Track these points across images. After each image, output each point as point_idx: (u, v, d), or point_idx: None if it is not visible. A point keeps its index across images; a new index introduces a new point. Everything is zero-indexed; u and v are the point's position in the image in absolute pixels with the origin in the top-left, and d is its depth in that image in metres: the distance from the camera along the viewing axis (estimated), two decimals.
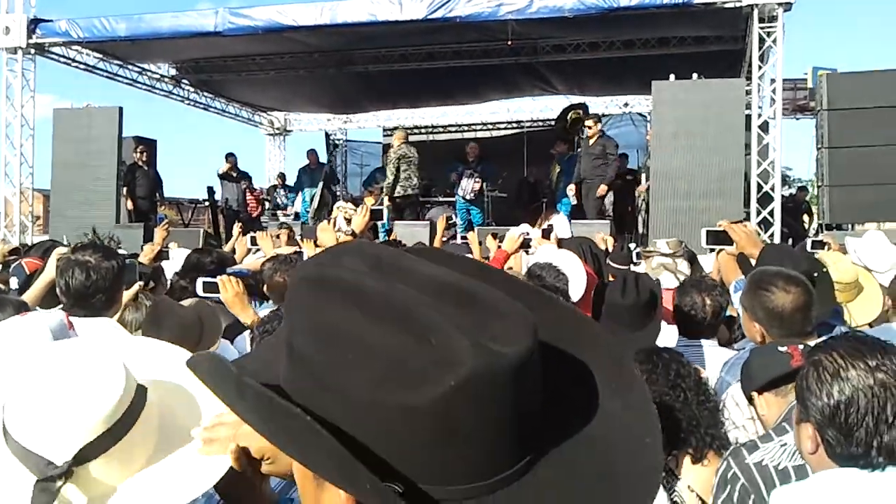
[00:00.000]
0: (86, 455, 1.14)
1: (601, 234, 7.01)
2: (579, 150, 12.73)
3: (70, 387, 1.17)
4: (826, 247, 5.91)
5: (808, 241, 6.49)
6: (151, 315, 3.03)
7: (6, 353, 1.93)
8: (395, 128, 20.14)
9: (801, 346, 2.38)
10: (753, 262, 3.46)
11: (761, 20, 10.27)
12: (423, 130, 20.44)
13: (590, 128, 11.73)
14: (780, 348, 2.45)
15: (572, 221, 10.64)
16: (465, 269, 0.80)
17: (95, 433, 1.15)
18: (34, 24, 12.87)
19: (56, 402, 1.16)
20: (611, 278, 4.68)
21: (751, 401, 2.55)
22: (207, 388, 0.79)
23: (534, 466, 0.73)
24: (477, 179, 13.03)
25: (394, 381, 0.67)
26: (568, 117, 15.31)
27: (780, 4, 10.13)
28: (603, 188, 11.39)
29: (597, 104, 18.77)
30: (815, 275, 3.20)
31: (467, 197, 13.11)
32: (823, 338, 2.44)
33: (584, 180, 11.77)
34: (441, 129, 20.42)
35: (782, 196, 11.57)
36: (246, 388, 0.73)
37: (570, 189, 12.04)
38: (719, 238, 3.79)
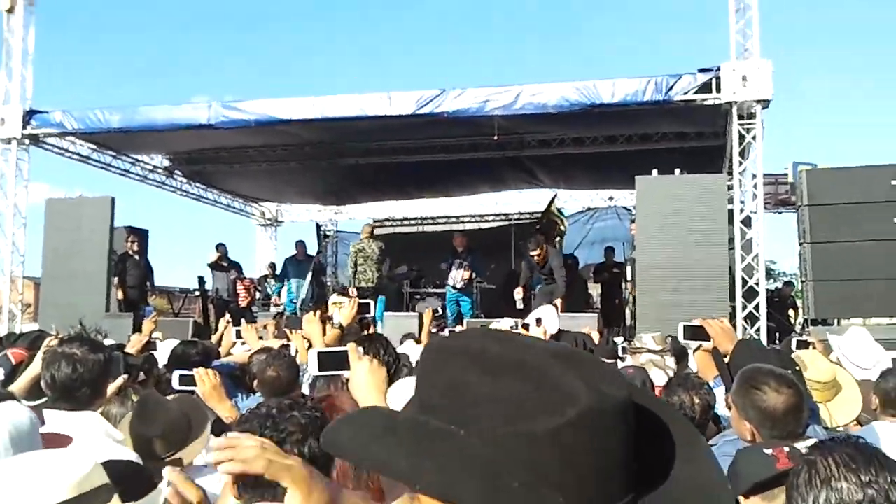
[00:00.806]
0: None
1: (587, 327, 7.05)
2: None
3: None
4: (810, 346, 5.93)
5: (794, 340, 6.51)
6: (139, 411, 3.03)
7: None
8: (386, 219, 20.51)
9: (786, 448, 2.39)
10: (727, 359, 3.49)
11: (740, 117, 10.53)
12: (412, 222, 20.67)
13: (535, 256, 11.83)
14: (766, 450, 2.45)
15: (560, 315, 10.67)
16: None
17: None
18: (30, 115, 13.07)
19: None
20: None
21: None
22: (347, 452, 0.92)
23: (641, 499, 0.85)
24: (466, 268, 13.16)
25: (520, 416, 0.80)
26: (551, 213, 15.58)
27: (758, 101, 10.40)
28: (558, 302, 11.44)
29: (582, 197, 19.15)
30: (789, 372, 3.23)
31: (457, 286, 13.21)
32: (822, 438, 2.45)
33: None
34: (430, 221, 20.63)
35: (768, 290, 11.67)
36: (400, 425, 0.87)
37: (517, 293, 11.99)
38: (696, 333, 3.81)
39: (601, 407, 0.80)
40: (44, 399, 3.16)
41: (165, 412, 3.02)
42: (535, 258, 11.76)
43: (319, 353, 2.71)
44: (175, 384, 3.46)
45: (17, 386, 3.58)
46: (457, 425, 0.82)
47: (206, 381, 3.30)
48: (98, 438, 2.76)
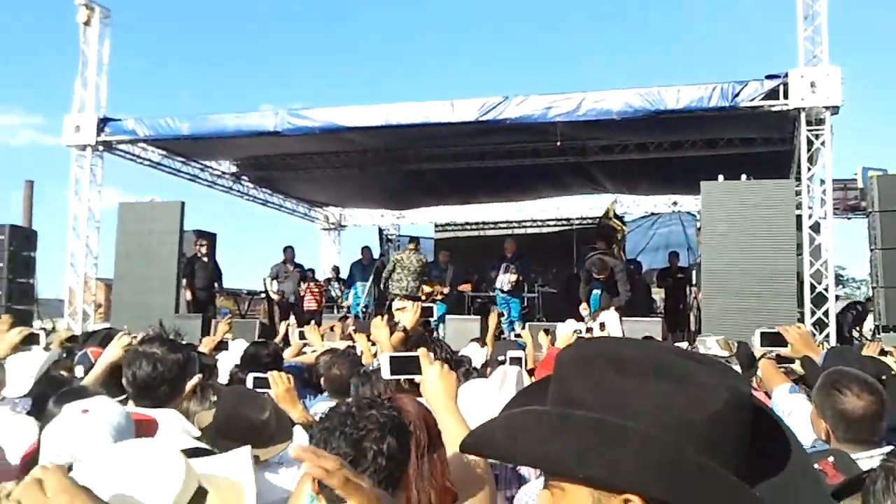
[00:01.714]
0: None
1: (647, 333, 7.00)
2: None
3: (132, 489, 1.18)
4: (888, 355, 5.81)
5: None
6: (241, 397, 3.05)
7: (68, 450, 2.03)
8: (448, 224, 20.60)
9: (831, 459, 2.37)
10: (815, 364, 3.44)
11: (809, 123, 10.38)
12: (474, 226, 20.71)
13: (600, 278, 11.75)
14: (814, 465, 2.45)
15: (623, 319, 10.63)
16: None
17: None
18: (103, 122, 13.50)
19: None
20: None
21: None
22: (503, 453, 1.03)
23: (756, 486, 0.97)
24: (513, 272, 13.21)
25: (672, 408, 0.93)
26: (609, 218, 15.48)
27: (827, 108, 10.24)
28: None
29: (645, 202, 18.94)
30: (884, 377, 3.15)
31: (504, 289, 13.27)
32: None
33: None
34: (492, 226, 20.66)
35: (857, 304, 11.30)
36: (571, 419, 0.97)
37: (583, 309, 11.91)
38: (773, 340, 3.77)
39: (738, 399, 0.95)
40: (124, 395, 3.29)
41: (266, 401, 3.08)
42: (602, 279, 11.70)
43: (391, 357, 2.76)
44: (249, 385, 3.55)
45: (91, 378, 3.72)
46: (613, 417, 0.94)
47: (279, 384, 3.38)
48: (177, 434, 2.87)
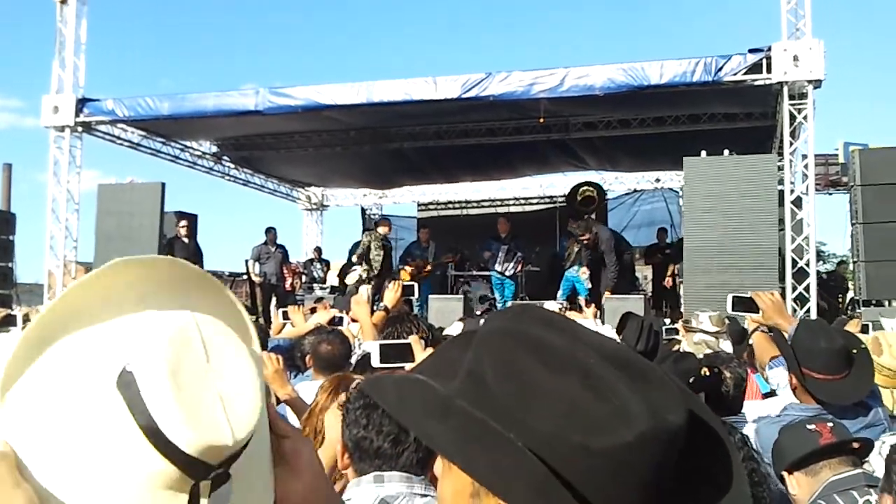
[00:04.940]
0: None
1: (629, 311, 6.96)
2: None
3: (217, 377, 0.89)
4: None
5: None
6: None
7: None
8: (431, 203, 20.58)
9: (829, 424, 2.38)
10: (786, 335, 3.46)
11: (791, 97, 10.39)
12: (457, 205, 20.68)
13: (584, 240, 11.82)
14: (809, 426, 2.46)
15: (608, 295, 10.69)
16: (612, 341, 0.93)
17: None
18: (82, 103, 13.33)
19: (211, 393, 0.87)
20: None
21: (782, 480, 2.52)
22: (390, 409, 0.94)
23: None
24: (519, 259, 13.20)
25: (576, 424, 0.79)
26: (578, 195, 15.46)
27: (809, 82, 10.24)
28: (608, 293, 11.37)
29: (629, 180, 18.97)
30: (854, 351, 3.18)
31: (507, 273, 13.25)
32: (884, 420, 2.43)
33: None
34: (475, 204, 20.64)
35: (822, 272, 11.43)
36: (455, 410, 0.87)
37: (584, 272, 11.97)
38: (745, 305, 3.78)
39: (657, 434, 0.79)
40: None
41: None
42: (585, 241, 11.70)
43: (382, 346, 2.69)
44: None
45: None
46: (509, 415, 0.82)
47: (269, 365, 3.37)
48: None
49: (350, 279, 13.47)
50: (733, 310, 3.91)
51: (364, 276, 12.67)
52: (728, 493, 0.88)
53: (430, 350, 2.28)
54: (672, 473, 0.82)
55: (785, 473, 2.47)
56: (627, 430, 0.78)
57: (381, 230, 13.42)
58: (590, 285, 12.07)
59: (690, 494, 0.87)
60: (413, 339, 2.38)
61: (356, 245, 14.07)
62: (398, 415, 0.96)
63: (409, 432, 1.77)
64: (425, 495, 1.78)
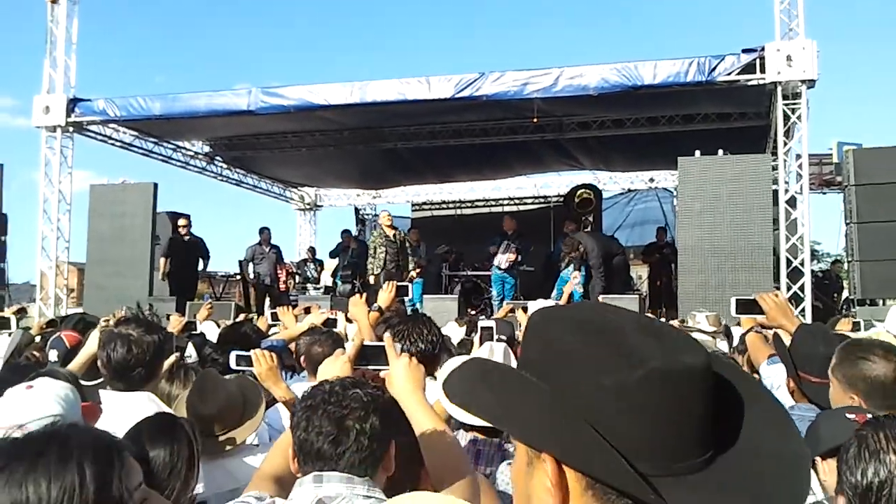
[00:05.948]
0: None
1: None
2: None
3: None
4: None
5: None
6: (197, 389, 3.06)
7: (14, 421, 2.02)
8: (425, 202, 20.54)
9: (869, 415, 2.36)
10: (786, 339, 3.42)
11: (785, 97, 10.40)
12: (451, 205, 20.66)
13: (571, 256, 11.82)
14: (849, 415, 2.43)
15: (601, 297, 10.64)
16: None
17: None
18: (73, 103, 13.28)
19: None
20: None
21: (813, 465, 2.51)
22: (450, 393, 0.98)
23: (714, 462, 0.88)
24: (513, 251, 13.14)
25: (596, 372, 0.86)
26: (576, 198, 15.46)
27: (803, 82, 10.26)
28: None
29: (623, 180, 18.97)
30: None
31: (501, 267, 13.20)
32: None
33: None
34: (469, 204, 20.62)
35: (817, 271, 11.41)
36: (492, 370, 0.98)
37: (575, 276, 11.97)
38: (749, 307, 3.73)
39: (670, 370, 0.85)
40: (100, 380, 3.21)
41: (224, 391, 3.05)
42: (573, 256, 11.74)
43: (365, 346, 2.64)
44: (232, 364, 3.49)
45: (73, 366, 3.65)
46: (544, 377, 0.90)
47: (263, 363, 3.34)
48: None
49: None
50: (737, 312, 3.86)
51: (376, 271, 12.57)
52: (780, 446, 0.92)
53: (404, 356, 2.24)
54: (695, 411, 0.86)
55: (818, 459, 2.45)
56: (639, 368, 0.84)
57: (388, 231, 13.22)
58: (582, 291, 12.05)
59: (732, 434, 0.92)
60: (387, 341, 2.34)
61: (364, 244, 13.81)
62: (455, 395, 1.00)
63: (350, 434, 1.78)
64: (368, 497, 1.77)
